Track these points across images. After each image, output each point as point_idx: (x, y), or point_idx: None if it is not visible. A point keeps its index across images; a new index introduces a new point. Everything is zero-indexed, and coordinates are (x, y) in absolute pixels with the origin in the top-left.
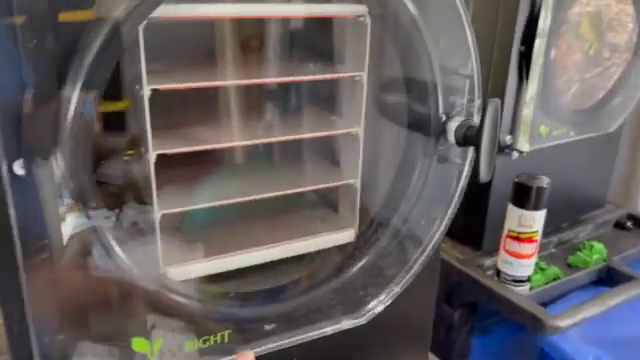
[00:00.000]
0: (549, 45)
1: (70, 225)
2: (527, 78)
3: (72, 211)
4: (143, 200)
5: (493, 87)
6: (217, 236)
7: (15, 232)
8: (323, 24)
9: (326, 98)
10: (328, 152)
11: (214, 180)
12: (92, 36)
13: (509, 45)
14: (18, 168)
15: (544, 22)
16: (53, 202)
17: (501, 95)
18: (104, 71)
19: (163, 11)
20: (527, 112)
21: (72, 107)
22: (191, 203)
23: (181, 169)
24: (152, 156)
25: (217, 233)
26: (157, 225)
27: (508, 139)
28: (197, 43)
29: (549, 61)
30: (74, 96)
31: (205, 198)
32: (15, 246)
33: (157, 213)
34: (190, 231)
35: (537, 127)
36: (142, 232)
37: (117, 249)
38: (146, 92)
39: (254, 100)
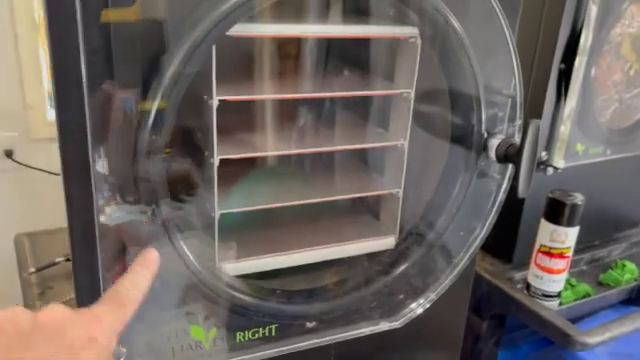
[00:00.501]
0: (589, 64)
1: (109, 216)
2: (566, 95)
3: (110, 204)
4: (179, 197)
5: (531, 103)
6: (266, 236)
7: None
8: (374, 42)
9: (373, 111)
10: (372, 161)
11: (267, 184)
12: (170, 55)
13: (549, 62)
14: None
15: (585, 41)
16: None
17: (539, 111)
18: (181, 85)
19: (237, 29)
20: (564, 129)
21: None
22: (247, 205)
23: (234, 172)
24: (216, 160)
25: (266, 233)
26: (216, 224)
27: (544, 155)
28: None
29: (589, 79)
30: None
31: (259, 200)
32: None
33: (217, 213)
34: (242, 230)
35: (573, 144)
36: (190, 228)
37: (182, 243)
38: (215, 102)
39: (304, 111)
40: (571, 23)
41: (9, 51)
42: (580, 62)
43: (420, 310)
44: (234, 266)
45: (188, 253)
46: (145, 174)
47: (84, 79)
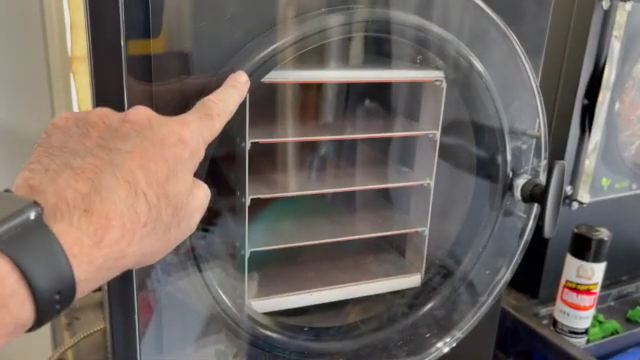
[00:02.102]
0: (613, 99)
1: None
2: (590, 130)
3: None
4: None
5: (555, 138)
6: (290, 273)
7: None
8: (399, 83)
9: (398, 149)
10: (397, 198)
11: (292, 220)
12: None
13: (572, 98)
14: None
15: (609, 76)
16: None
17: (563, 147)
18: None
19: (271, 76)
20: (589, 163)
21: None
22: (276, 242)
23: (258, 208)
24: (248, 200)
25: (290, 270)
26: (246, 262)
27: (569, 189)
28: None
29: (613, 114)
30: None
31: (287, 238)
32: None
33: (247, 251)
34: (266, 266)
35: (599, 179)
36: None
37: (212, 280)
38: (248, 145)
39: (331, 149)
40: (594, 59)
41: (42, 84)
42: (604, 97)
43: (446, 349)
44: (262, 303)
45: (221, 293)
46: None
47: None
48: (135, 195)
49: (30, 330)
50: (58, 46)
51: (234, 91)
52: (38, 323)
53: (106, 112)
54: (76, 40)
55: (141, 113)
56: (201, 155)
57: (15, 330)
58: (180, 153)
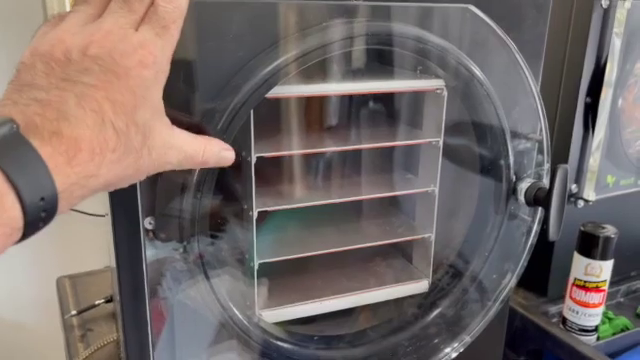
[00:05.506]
0: (615, 96)
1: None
2: (593, 128)
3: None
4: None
5: (559, 137)
6: (298, 282)
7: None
8: (402, 93)
9: (402, 156)
10: (403, 205)
11: (299, 229)
12: (217, 115)
13: (575, 96)
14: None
15: (610, 73)
16: None
17: (567, 145)
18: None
19: (275, 91)
20: (593, 161)
21: None
22: (284, 253)
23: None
24: (255, 213)
25: (298, 278)
26: (255, 273)
27: (574, 188)
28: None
29: (616, 111)
30: None
31: (295, 248)
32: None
33: (256, 262)
34: (273, 275)
35: (604, 176)
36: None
37: (221, 289)
38: (253, 159)
39: (335, 158)
40: (595, 57)
41: None
42: (606, 94)
43: (454, 354)
44: (272, 313)
45: (230, 304)
46: (178, 212)
47: None
48: (102, 123)
49: (21, 239)
50: None
51: None
52: (27, 228)
53: (68, 45)
54: None
55: (101, 44)
56: (166, 72)
57: (11, 233)
58: (145, 79)
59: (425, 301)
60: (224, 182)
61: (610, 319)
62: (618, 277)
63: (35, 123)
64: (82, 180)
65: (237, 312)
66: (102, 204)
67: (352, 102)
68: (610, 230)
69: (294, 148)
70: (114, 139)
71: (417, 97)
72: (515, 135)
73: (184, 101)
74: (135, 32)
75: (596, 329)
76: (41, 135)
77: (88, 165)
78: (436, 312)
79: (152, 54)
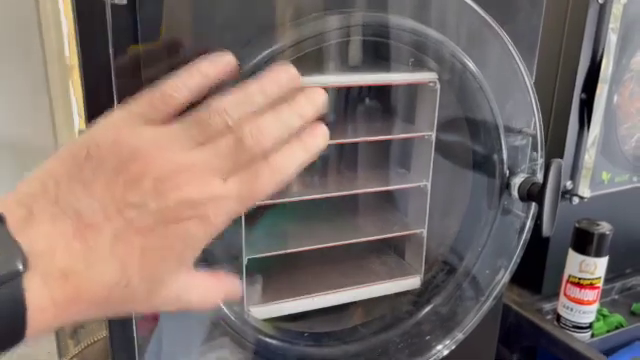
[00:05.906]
0: (611, 92)
1: None
2: (589, 124)
3: None
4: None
5: (554, 133)
6: (289, 277)
7: None
8: (395, 86)
9: (394, 150)
10: (395, 200)
11: (291, 224)
12: None
13: (570, 92)
14: None
15: (606, 69)
16: None
17: (562, 141)
18: None
19: None
20: (588, 157)
21: None
22: (275, 248)
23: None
24: (245, 260)
25: (289, 274)
26: (244, 269)
27: (568, 184)
28: None
29: (611, 108)
30: None
31: (287, 244)
32: None
33: (244, 258)
34: (264, 271)
35: (599, 173)
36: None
37: None
38: None
39: (328, 152)
40: (591, 53)
41: (42, 94)
42: (602, 90)
43: (446, 351)
44: (262, 310)
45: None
46: None
47: None
48: (118, 280)
49: None
50: (56, 55)
51: (301, 144)
52: None
53: (148, 160)
54: (74, 49)
55: (177, 183)
56: (217, 232)
57: None
58: (194, 237)
59: (417, 297)
60: None
61: (604, 316)
62: (613, 274)
63: (53, 252)
64: (59, 319)
65: (225, 308)
66: None
67: (346, 97)
68: (605, 227)
69: None
70: (120, 295)
71: (410, 91)
72: (509, 130)
73: None
74: (222, 183)
75: (590, 326)
76: (45, 277)
77: (77, 312)
78: (428, 309)
79: (221, 215)
